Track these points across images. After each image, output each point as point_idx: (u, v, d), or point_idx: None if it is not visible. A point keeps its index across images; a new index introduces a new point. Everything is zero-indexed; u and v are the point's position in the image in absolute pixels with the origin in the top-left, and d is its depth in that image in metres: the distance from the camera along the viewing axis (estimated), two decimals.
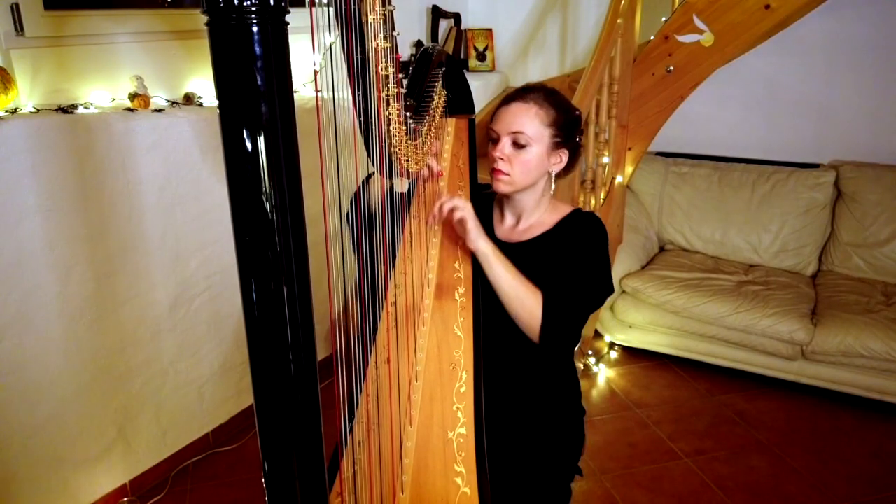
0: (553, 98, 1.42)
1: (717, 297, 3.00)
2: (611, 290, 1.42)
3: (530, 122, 1.38)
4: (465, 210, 1.32)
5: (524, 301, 1.33)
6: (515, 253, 1.44)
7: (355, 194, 1.40)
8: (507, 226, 1.52)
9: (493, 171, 1.42)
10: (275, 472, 0.71)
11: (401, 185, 1.46)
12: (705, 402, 2.92)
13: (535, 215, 1.48)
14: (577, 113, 1.46)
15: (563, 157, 1.43)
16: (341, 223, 1.29)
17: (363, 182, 1.43)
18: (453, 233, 1.49)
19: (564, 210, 1.49)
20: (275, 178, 0.61)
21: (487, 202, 1.57)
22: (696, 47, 2.78)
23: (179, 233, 2.31)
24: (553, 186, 1.47)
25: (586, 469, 2.45)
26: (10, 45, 1.87)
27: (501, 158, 1.40)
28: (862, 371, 2.76)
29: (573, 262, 1.38)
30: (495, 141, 1.42)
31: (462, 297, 1.37)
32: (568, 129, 1.42)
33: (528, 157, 1.39)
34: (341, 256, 1.03)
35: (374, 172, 1.44)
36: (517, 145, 1.39)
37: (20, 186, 1.85)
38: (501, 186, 1.43)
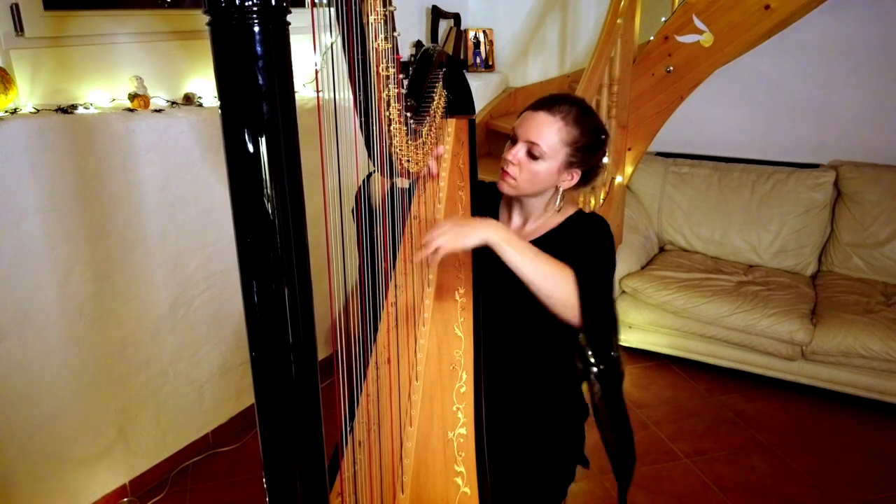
0: (583, 119, 1.39)
1: (717, 297, 3.00)
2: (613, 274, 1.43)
3: (550, 136, 1.37)
4: (442, 238, 1.23)
5: (553, 277, 1.24)
6: None
7: (357, 192, 1.40)
8: (514, 227, 1.53)
9: (502, 172, 1.43)
10: (276, 471, 0.71)
11: (402, 182, 1.47)
12: (705, 403, 2.92)
13: (541, 219, 1.50)
14: (603, 137, 1.44)
15: (575, 176, 1.43)
16: (342, 220, 1.29)
17: (364, 180, 1.43)
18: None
19: (569, 211, 1.50)
20: (276, 179, 0.61)
21: (495, 196, 1.57)
22: (695, 47, 2.78)
23: (179, 233, 2.31)
24: (560, 201, 1.46)
25: (587, 470, 2.45)
26: (10, 45, 1.87)
27: (513, 163, 1.40)
28: (862, 371, 2.76)
29: (583, 252, 1.39)
30: (514, 141, 1.42)
31: (462, 297, 1.38)
32: (587, 153, 1.41)
33: (537, 168, 1.39)
34: (342, 256, 1.03)
35: (374, 172, 1.44)
36: (531, 155, 1.39)
37: (20, 186, 1.85)
38: (505, 188, 1.44)
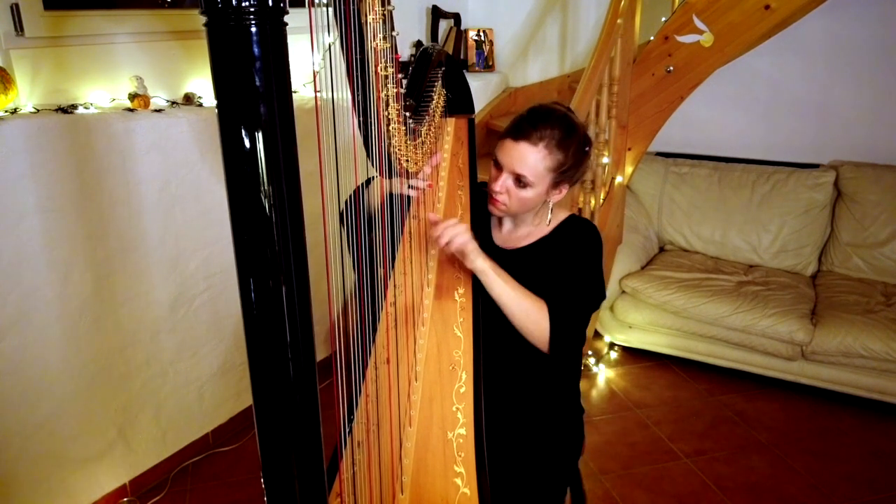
0: (566, 141, 1.37)
1: (717, 297, 3.00)
2: (604, 296, 1.43)
3: (535, 165, 1.36)
4: (458, 236, 1.30)
5: (529, 313, 1.33)
6: (512, 259, 1.45)
7: (350, 196, 1.40)
8: (504, 232, 1.53)
9: (491, 198, 1.44)
10: (274, 472, 0.71)
11: (404, 188, 1.45)
12: (705, 403, 2.92)
13: (532, 225, 1.50)
14: (588, 148, 1.43)
15: (564, 189, 1.44)
16: (337, 223, 1.29)
17: (362, 185, 1.43)
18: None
19: (561, 216, 1.50)
20: (273, 178, 0.61)
21: (487, 201, 1.57)
22: (695, 47, 2.78)
23: (179, 233, 2.31)
24: (550, 212, 1.47)
25: (586, 469, 2.45)
26: (10, 45, 1.87)
27: (501, 192, 1.40)
28: (862, 371, 2.76)
29: (570, 267, 1.39)
30: (497, 166, 1.41)
31: (462, 297, 1.38)
32: (573, 170, 1.41)
33: (527, 195, 1.40)
34: (341, 257, 1.03)
35: (375, 177, 1.44)
36: (518, 182, 1.39)
37: (20, 186, 1.85)
38: (497, 213, 1.46)
